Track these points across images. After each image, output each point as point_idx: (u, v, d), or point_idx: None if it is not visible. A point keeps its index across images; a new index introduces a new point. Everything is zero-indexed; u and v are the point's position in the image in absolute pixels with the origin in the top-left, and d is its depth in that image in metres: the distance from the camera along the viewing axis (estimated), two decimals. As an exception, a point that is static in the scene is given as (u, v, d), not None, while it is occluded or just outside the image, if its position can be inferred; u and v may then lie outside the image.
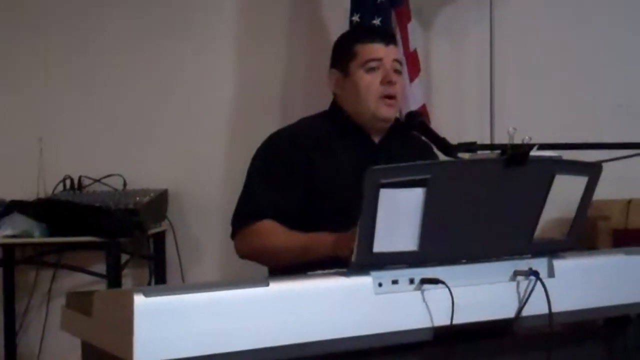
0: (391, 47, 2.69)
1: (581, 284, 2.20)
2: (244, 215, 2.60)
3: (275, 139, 2.70)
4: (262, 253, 2.55)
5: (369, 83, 2.62)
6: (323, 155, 2.63)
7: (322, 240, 2.37)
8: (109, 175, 4.26)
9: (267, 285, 1.79)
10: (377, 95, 2.61)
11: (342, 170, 2.57)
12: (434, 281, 1.95)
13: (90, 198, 4.01)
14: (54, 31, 4.38)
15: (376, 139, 2.70)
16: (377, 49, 2.64)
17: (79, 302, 1.91)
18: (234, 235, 2.63)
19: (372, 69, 2.62)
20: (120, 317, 1.66)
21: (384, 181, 1.86)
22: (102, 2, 4.38)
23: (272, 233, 2.54)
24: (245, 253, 2.60)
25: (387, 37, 2.73)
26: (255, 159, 2.68)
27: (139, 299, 1.64)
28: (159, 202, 4.16)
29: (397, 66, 2.67)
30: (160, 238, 4.27)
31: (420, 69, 4.13)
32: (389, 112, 2.65)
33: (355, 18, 3.99)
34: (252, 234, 2.57)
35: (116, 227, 3.75)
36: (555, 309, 2.07)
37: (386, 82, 2.62)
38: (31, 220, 3.85)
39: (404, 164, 1.98)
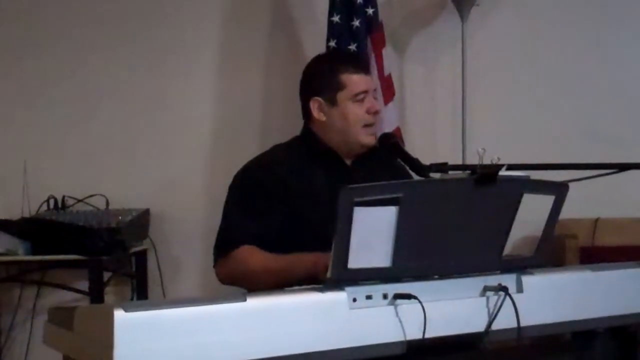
0: (369, 76, 2.73)
1: (549, 299, 2.20)
2: (224, 244, 2.59)
3: (251, 168, 2.69)
4: (242, 277, 2.52)
5: (357, 113, 2.63)
6: (299, 181, 2.62)
7: (302, 261, 2.37)
8: (92, 195, 4.23)
9: (245, 300, 1.79)
10: (364, 124, 2.64)
11: (318, 194, 2.56)
12: (407, 296, 1.95)
13: (73, 217, 3.99)
14: (38, 55, 4.36)
15: (348, 162, 2.70)
16: (363, 81, 2.66)
17: (61, 317, 1.90)
18: (215, 264, 2.62)
19: (360, 100, 2.64)
20: (100, 331, 1.65)
21: (358, 199, 1.87)
22: (85, 26, 4.35)
23: (251, 257, 2.52)
24: (226, 279, 2.58)
25: (366, 67, 2.78)
26: (233, 189, 2.67)
27: (119, 314, 1.63)
28: (141, 222, 4.14)
29: (376, 95, 2.74)
30: (142, 256, 4.24)
31: (395, 92, 4.14)
32: (372, 140, 2.66)
33: (332, 44, 3.99)
34: (231, 260, 2.55)
35: (99, 245, 3.73)
36: (524, 323, 2.07)
37: (372, 112, 2.64)
38: (15, 238, 3.83)
39: (377, 183, 1.97)
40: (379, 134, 2.72)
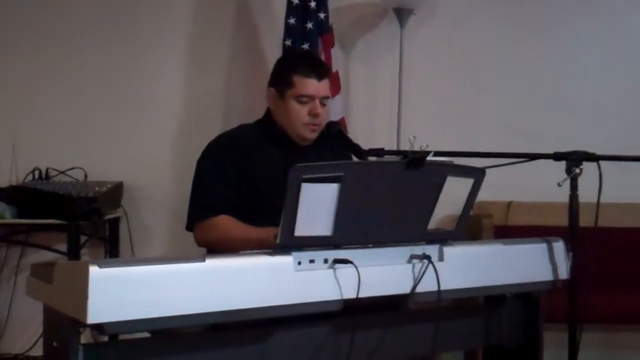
0: (323, 82, 2.62)
1: (466, 267, 2.23)
2: (201, 209, 2.54)
3: (220, 141, 2.65)
4: (220, 243, 2.45)
5: (298, 112, 2.57)
6: (259, 157, 2.59)
7: (271, 233, 2.35)
8: (72, 168, 4.18)
9: (204, 260, 1.79)
10: (303, 122, 2.58)
11: (276, 170, 2.48)
12: (344, 261, 1.97)
13: (55, 187, 3.93)
14: (25, 37, 4.29)
15: (301, 144, 2.66)
16: (311, 85, 2.58)
17: (42, 271, 1.88)
18: (190, 227, 2.57)
19: (303, 103, 2.58)
20: (77, 284, 1.64)
21: (305, 177, 1.87)
22: (67, 10, 4.30)
23: (229, 227, 2.48)
24: (204, 244, 2.53)
25: (322, 73, 2.63)
26: (204, 160, 2.61)
27: (93, 269, 1.63)
28: (115, 192, 4.09)
29: (325, 101, 2.62)
30: (115, 223, 4.20)
31: (341, 87, 4.14)
32: (311, 135, 2.61)
33: (288, 42, 3.95)
34: (210, 227, 2.51)
35: (77, 212, 3.69)
36: (444, 287, 2.10)
37: (313, 114, 2.58)
38: (4, 204, 3.79)
39: (321, 163, 1.99)
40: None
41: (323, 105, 2.61)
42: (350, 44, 4.38)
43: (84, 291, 1.61)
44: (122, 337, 2.04)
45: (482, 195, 4.28)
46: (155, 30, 4.33)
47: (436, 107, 4.32)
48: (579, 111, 4.28)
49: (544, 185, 4.01)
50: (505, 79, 4.31)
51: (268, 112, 2.71)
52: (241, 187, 2.54)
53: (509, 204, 4.10)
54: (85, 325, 1.65)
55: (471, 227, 4.05)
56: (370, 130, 4.29)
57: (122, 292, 1.66)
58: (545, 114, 4.26)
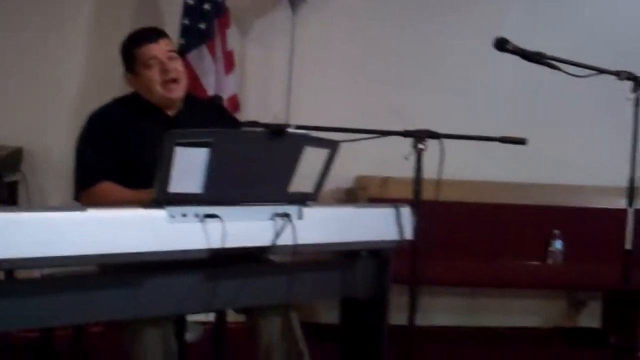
0: (161, 41, 2.82)
1: (322, 225, 2.48)
2: (83, 178, 2.72)
3: (96, 116, 2.81)
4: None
5: (151, 76, 2.78)
6: (131, 129, 2.77)
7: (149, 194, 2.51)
8: (-27, 133, 4.26)
9: (85, 210, 2.03)
10: (160, 83, 2.78)
11: (147, 140, 2.64)
12: (213, 216, 2.21)
13: (-43, 150, 4.00)
14: None
15: (171, 114, 2.87)
16: (149, 48, 2.78)
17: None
18: (78, 197, 2.73)
19: (151, 65, 2.78)
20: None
21: (179, 141, 2.10)
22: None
23: (111, 192, 2.65)
24: None
25: (153, 35, 2.83)
26: (84, 132, 2.79)
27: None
28: (14, 157, 4.22)
29: (172, 54, 2.83)
30: (14, 186, 4.31)
31: (235, 65, 4.34)
32: (175, 93, 2.81)
33: (186, 22, 4.13)
34: (94, 193, 2.67)
35: (-25, 175, 3.77)
36: (302, 242, 2.36)
37: (163, 70, 2.78)
38: None
39: (193, 130, 2.23)
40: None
41: (171, 59, 2.81)
42: (247, 26, 4.58)
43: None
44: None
45: (359, 171, 4.66)
46: (60, 10, 4.46)
47: (326, 88, 4.60)
48: (450, 94, 4.64)
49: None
50: (389, 64, 4.63)
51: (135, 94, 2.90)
52: (119, 157, 2.72)
53: (386, 179, 4.40)
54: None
55: (349, 199, 4.40)
56: (264, 106, 4.53)
57: (15, 235, 1.89)
58: (423, 97, 4.61)
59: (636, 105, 2.92)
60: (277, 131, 2.26)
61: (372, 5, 4.68)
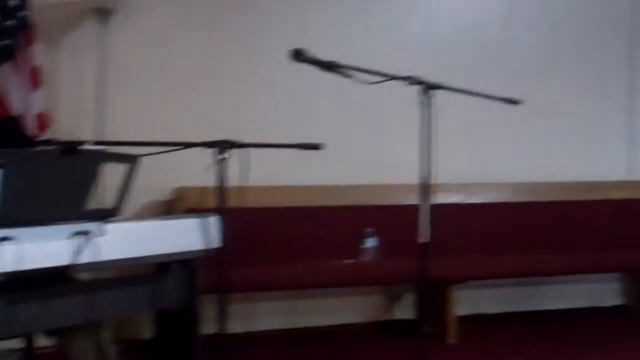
0: None
1: (129, 240, 2.53)
2: None
3: None
4: None
5: None
6: None
7: None
8: None
9: None
10: None
11: None
12: (7, 239, 2.19)
13: None
14: None
15: None
16: None
17: None
18: None
19: None
20: None
21: None
22: None
23: None
24: None
25: None
26: None
27: None
28: None
29: None
30: None
31: (43, 81, 4.26)
32: None
33: None
34: None
35: None
36: (107, 258, 2.40)
37: None
38: None
39: None
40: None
41: None
42: (56, 40, 4.51)
43: None
44: None
45: (182, 182, 4.64)
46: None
47: (138, 100, 4.59)
48: (258, 103, 4.77)
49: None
50: (201, 73, 4.71)
51: None
52: None
53: (204, 189, 4.39)
54: None
55: (167, 211, 4.41)
56: (76, 121, 4.45)
57: None
58: (235, 105, 4.72)
59: (425, 107, 3.11)
60: (69, 149, 2.26)
61: (182, 15, 4.73)
